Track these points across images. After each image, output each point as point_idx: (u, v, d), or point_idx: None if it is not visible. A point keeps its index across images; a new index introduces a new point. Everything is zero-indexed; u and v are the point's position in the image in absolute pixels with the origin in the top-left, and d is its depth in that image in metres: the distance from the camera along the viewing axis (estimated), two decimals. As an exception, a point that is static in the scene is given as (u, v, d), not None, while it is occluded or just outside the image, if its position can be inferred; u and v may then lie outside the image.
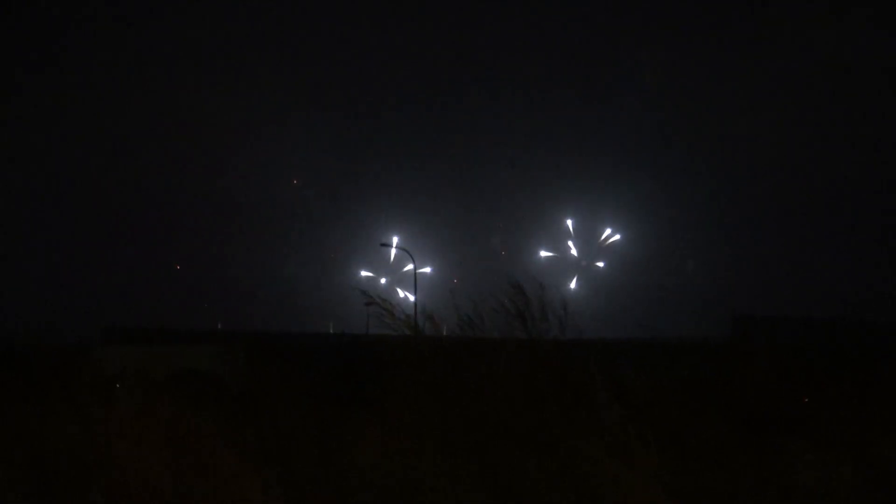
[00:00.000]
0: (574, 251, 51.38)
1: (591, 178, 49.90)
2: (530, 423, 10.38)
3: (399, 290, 48.37)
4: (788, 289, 41.64)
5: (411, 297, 42.56)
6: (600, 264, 51.40)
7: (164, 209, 50.92)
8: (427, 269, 49.73)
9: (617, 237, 51.19)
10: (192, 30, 47.96)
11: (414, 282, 35.94)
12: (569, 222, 51.19)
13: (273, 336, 39.77)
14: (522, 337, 11.77)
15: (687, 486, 9.84)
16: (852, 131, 45.98)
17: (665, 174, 48.52)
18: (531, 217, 51.45)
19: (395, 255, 49.02)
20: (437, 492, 10.01)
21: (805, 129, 45.56)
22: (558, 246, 51.65)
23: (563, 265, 51.30)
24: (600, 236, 51.53)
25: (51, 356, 19.65)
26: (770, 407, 11.96)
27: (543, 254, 51.16)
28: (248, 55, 50.59)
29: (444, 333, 12.27)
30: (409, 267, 47.69)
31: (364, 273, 49.73)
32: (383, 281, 50.34)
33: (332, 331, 35.97)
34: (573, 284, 50.70)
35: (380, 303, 12.44)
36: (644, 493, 9.53)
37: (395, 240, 49.78)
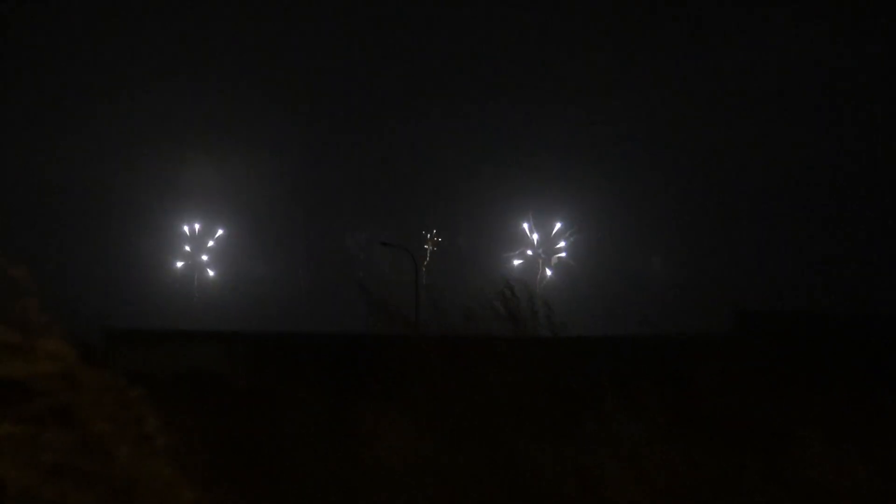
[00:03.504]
0: (530, 251, 51.74)
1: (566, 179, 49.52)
2: (539, 417, 10.46)
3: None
4: (792, 282, 41.59)
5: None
6: (562, 255, 51.83)
7: (169, 210, 50.94)
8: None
9: (567, 242, 51.29)
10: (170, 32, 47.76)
11: (416, 283, 35.34)
12: (525, 226, 51.77)
13: (276, 335, 39.72)
14: (515, 336, 11.91)
15: (693, 482, 9.88)
16: (855, 119, 46.10)
17: (661, 165, 48.43)
18: (494, 220, 51.35)
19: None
20: (448, 485, 10.07)
21: (809, 117, 45.63)
22: (519, 247, 52.02)
23: (529, 266, 51.65)
24: (561, 233, 51.96)
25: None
26: (775, 402, 11.98)
27: (516, 262, 51.53)
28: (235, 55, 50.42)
29: (443, 332, 12.38)
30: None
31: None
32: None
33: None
34: (549, 272, 50.96)
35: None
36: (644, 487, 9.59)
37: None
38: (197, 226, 54.03)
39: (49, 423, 5.22)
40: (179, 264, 54.27)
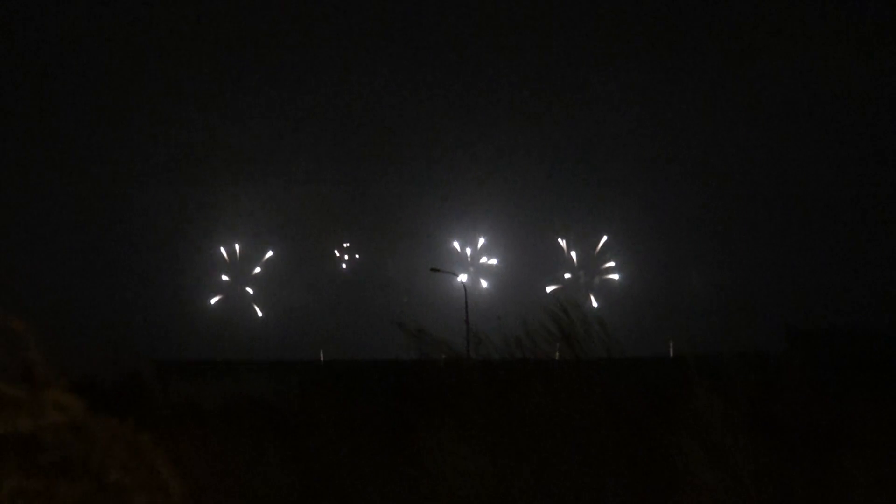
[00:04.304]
0: (568, 274, 48.99)
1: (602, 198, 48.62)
2: (594, 441, 10.40)
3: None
4: (843, 300, 40.98)
5: None
6: (613, 276, 49.20)
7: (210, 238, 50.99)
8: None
9: (611, 264, 49.05)
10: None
11: (465, 307, 34.32)
12: (562, 241, 48.66)
13: (325, 363, 39.75)
14: (569, 358, 11.85)
15: (749, 499, 9.81)
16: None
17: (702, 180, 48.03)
18: (531, 241, 50.06)
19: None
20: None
21: (852, 133, 45.23)
22: (559, 271, 49.35)
23: (569, 290, 48.88)
24: (606, 250, 49.01)
25: (105, 389, 19.92)
26: (826, 421, 11.84)
27: (551, 287, 48.61)
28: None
29: (495, 357, 12.35)
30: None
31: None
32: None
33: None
34: (594, 301, 48.41)
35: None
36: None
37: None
38: (237, 246, 49.51)
39: (61, 475, 5.15)
40: (214, 300, 49.42)
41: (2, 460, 4.97)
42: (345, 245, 50.05)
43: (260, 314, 49.42)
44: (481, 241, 49.33)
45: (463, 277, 46.73)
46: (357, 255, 49.99)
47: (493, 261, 49.28)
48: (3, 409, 5.11)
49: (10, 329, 5.39)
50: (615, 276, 48.57)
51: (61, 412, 5.29)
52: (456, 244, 49.37)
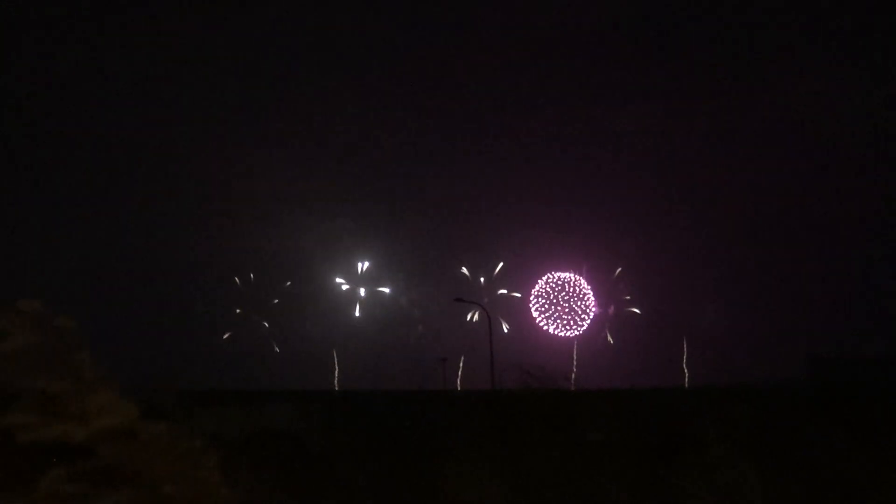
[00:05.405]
0: (586, 317, 47.64)
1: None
2: (624, 466, 10.47)
3: None
4: (863, 328, 40.59)
5: None
6: (636, 310, 47.92)
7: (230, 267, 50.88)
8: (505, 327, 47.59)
9: (627, 300, 47.92)
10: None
11: (490, 341, 33.27)
12: (580, 276, 47.40)
13: (349, 394, 39.58)
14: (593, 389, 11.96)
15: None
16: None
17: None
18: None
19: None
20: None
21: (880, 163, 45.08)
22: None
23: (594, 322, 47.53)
24: (621, 279, 47.64)
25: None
26: (850, 450, 11.83)
27: (571, 333, 47.34)
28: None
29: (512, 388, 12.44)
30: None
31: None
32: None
33: None
34: (610, 338, 46.97)
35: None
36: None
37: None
38: (252, 275, 48.49)
39: (110, 481, 4.87)
40: (225, 336, 48.52)
41: (48, 464, 4.73)
42: (361, 270, 49.83)
43: (277, 349, 48.55)
44: (500, 265, 48.69)
45: (475, 316, 45.76)
46: (381, 289, 49.70)
47: (517, 294, 48.50)
48: (53, 415, 4.88)
49: (58, 328, 5.11)
50: (636, 310, 47.68)
51: (110, 417, 5.08)
52: (465, 270, 48.64)
